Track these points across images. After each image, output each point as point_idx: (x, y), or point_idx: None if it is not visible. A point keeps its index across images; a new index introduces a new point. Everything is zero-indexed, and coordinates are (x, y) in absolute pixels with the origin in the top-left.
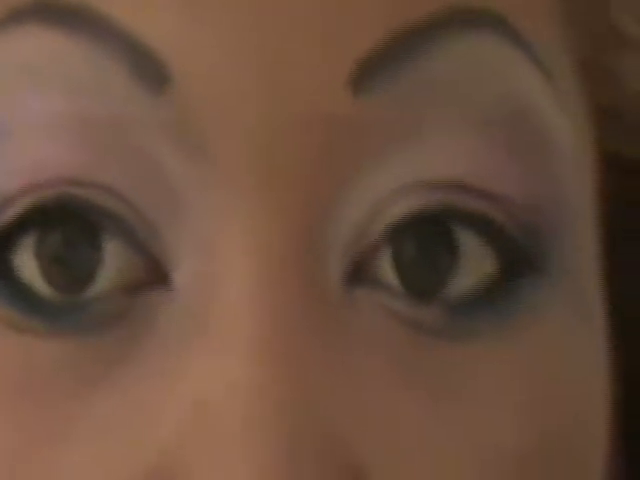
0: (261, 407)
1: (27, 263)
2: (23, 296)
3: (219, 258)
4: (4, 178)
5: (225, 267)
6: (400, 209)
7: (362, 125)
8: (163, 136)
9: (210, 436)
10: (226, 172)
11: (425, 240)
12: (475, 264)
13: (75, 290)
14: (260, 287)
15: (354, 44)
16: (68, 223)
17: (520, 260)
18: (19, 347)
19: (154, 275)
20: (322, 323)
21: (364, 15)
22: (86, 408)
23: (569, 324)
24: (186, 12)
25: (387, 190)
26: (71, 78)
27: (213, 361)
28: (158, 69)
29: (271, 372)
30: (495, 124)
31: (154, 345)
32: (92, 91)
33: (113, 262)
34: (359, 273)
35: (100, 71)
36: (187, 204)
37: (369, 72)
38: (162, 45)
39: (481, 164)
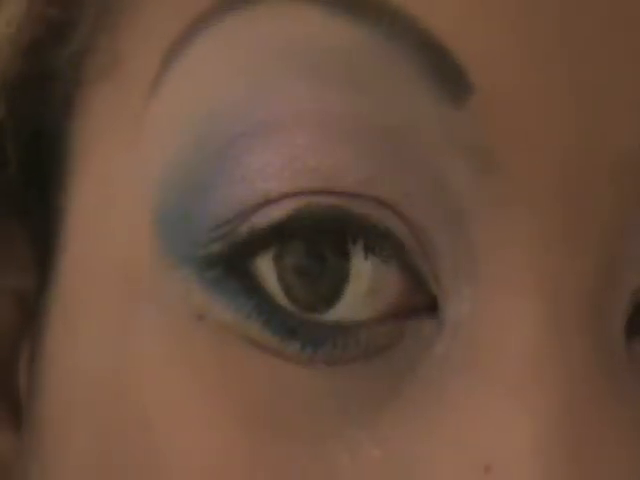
0: None
1: (266, 274)
2: (271, 311)
3: (500, 296)
4: (268, 172)
5: (506, 309)
6: None
7: None
8: (452, 150)
9: None
10: (521, 198)
11: None
12: None
13: (316, 309)
14: (546, 349)
15: None
16: (313, 234)
17: None
18: (271, 372)
19: (421, 302)
20: (610, 397)
21: None
22: (349, 449)
23: None
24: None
25: None
26: (351, 74)
27: (497, 426)
28: (459, 77)
29: (558, 453)
30: None
31: (417, 386)
32: (374, 92)
33: (365, 281)
34: (634, 324)
35: (386, 69)
36: (471, 227)
37: None
38: (462, 47)
39: None
